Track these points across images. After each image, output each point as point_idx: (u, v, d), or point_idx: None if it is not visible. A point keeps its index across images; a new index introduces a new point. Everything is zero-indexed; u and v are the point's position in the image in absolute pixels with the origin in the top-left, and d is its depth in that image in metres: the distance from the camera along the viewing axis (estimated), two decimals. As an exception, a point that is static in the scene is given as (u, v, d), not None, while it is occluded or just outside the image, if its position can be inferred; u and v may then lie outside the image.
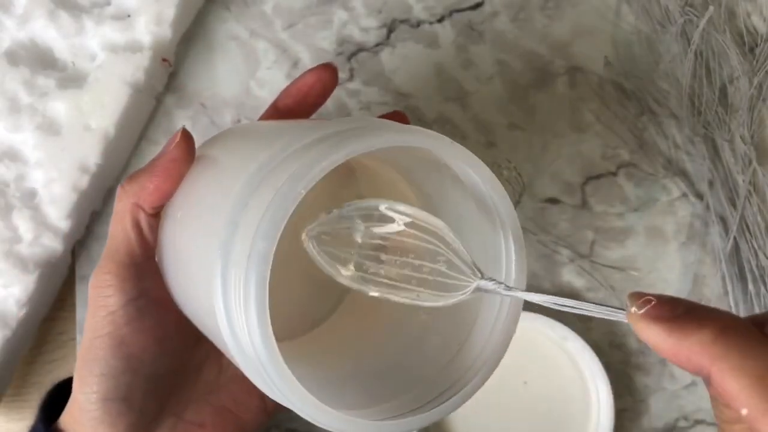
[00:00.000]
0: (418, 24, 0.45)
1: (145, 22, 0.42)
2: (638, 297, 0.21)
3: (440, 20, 0.45)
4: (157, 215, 0.31)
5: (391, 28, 0.45)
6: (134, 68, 0.41)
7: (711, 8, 0.41)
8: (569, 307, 0.23)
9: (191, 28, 0.45)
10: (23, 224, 0.41)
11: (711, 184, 0.44)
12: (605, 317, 0.22)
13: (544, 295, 0.24)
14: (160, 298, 0.32)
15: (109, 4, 0.43)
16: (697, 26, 0.42)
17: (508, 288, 0.26)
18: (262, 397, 0.35)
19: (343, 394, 0.28)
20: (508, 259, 0.27)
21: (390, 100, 0.45)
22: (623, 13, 0.46)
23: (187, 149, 0.30)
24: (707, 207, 0.44)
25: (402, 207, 0.26)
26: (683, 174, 0.45)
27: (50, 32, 0.42)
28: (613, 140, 0.45)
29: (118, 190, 0.31)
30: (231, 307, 0.24)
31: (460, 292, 0.26)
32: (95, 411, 0.30)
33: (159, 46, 0.42)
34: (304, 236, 0.26)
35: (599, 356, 0.42)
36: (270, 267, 0.23)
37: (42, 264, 0.41)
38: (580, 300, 0.23)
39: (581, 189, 0.45)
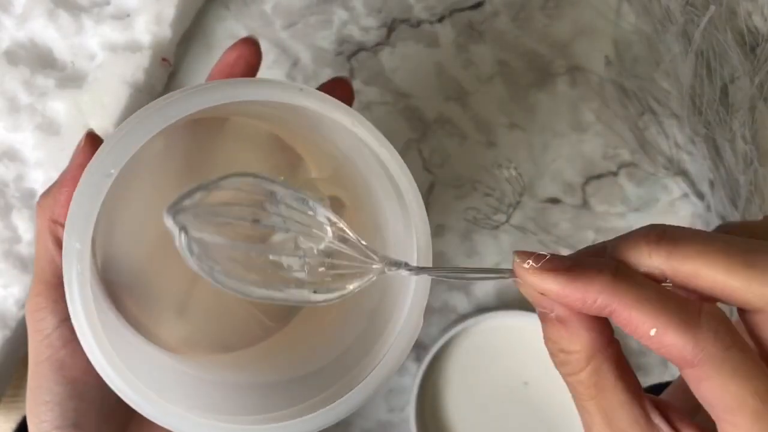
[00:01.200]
0: (419, 24, 0.45)
1: (144, 21, 0.42)
2: (527, 254, 0.22)
3: (440, 20, 0.45)
4: None
5: (391, 27, 0.45)
6: (134, 68, 0.41)
7: (712, 8, 0.41)
8: (456, 277, 0.24)
9: (191, 27, 0.45)
10: (23, 224, 0.41)
11: (712, 184, 0.44)
12: (495, 278, 0.23)
13: (439, 270, 0.24)
14: None
15: (108, 3, 0.43)
16: (698, 26, 0.41)
17: (409, 267, 0.24)
18: None
19: (284, 395, 0.27)
20: (417, 232, 0.26)
21: (390, 100, 0.45)
22: (624, 12, 0.46)
23: (94, 152, 0.28)
24: (708, 207, 0.44)
25: (285, 190, 0.23)
26: (684, 174, 0.45)
27: (49, 32, 0.42)
28: (614, 140, 0.45)
29: (36, 207, 0.29)
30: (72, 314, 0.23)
31: (364, 279, 0.24)
32: None
33: (159, 45, 0.42)
34: (165, 216, 0.21)
35: (600, 356, 0.42)
36: (87, 263, 0.22)
37: (42, 264, 0.41)
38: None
39: (582, 189, 0.45)
